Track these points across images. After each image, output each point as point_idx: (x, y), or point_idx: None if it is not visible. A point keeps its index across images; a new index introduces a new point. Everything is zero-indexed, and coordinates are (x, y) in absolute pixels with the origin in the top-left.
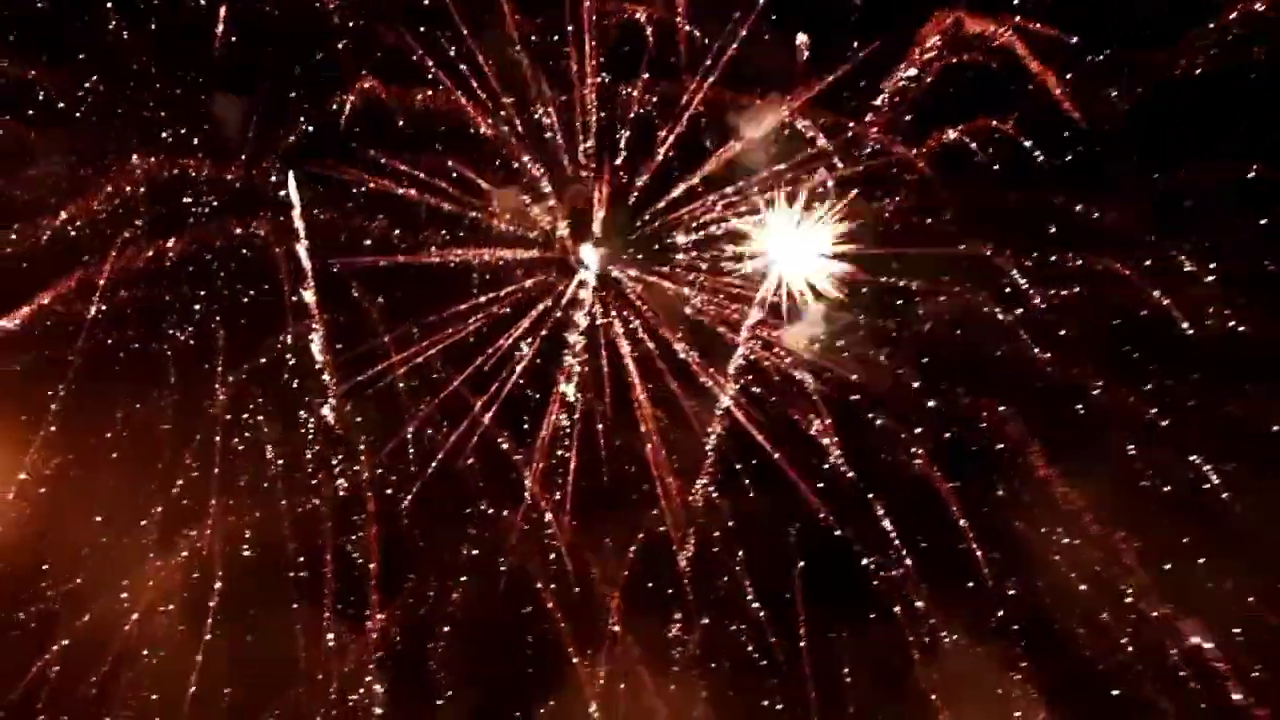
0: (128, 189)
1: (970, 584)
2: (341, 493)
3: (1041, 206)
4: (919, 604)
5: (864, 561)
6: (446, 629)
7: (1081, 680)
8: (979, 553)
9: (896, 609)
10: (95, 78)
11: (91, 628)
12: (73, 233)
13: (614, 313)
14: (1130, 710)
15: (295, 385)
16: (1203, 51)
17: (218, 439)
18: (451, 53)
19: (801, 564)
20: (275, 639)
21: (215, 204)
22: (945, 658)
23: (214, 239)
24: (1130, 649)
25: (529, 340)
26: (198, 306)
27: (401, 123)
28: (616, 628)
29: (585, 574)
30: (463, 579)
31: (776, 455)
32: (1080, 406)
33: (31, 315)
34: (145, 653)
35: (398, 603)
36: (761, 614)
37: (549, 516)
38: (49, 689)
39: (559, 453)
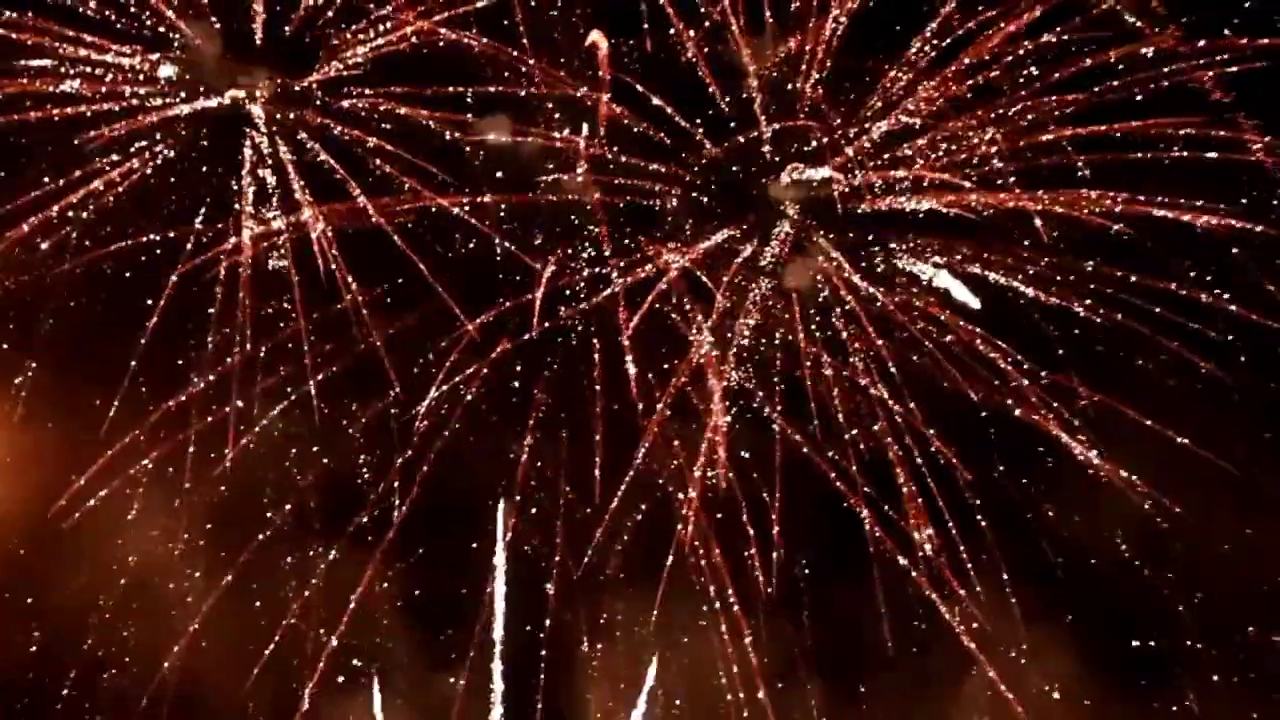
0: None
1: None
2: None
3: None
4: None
5: (882, 536)
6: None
7: (1112, 642)
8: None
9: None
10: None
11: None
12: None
13: (615, 285)
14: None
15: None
16: None
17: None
18: None
19: (820, 534)
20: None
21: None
22: (971, 616)
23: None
24: (1165, 619)
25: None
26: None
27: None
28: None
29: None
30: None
31: (788, 431)
32: (1122, 379)
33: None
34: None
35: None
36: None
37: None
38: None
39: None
